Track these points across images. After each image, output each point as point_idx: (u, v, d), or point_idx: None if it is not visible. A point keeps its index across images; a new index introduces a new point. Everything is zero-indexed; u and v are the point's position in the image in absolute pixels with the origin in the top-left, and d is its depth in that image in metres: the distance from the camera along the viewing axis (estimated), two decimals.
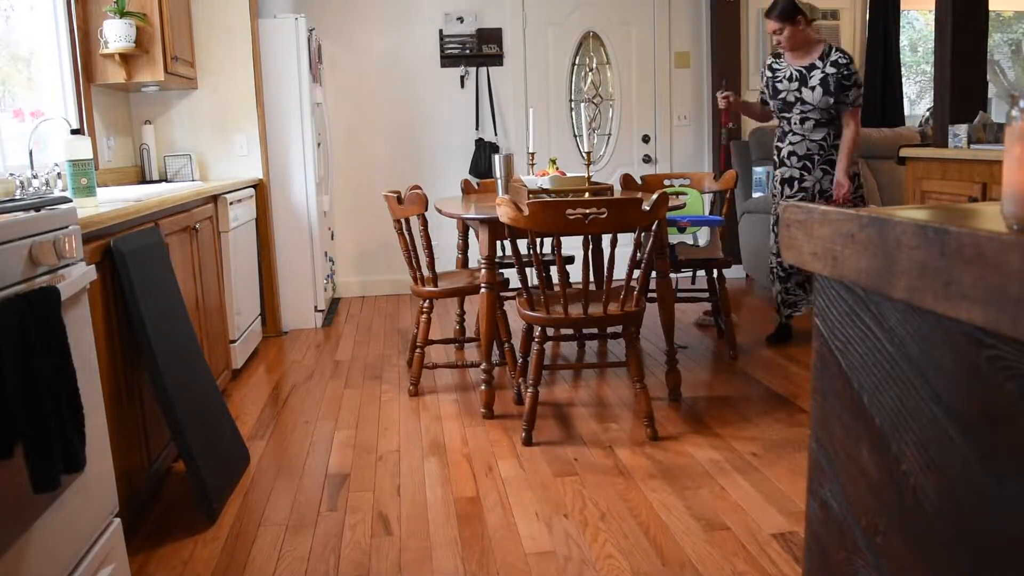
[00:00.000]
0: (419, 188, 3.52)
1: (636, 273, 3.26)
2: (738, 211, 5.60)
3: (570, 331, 4.22)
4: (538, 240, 3.53)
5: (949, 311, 0.59)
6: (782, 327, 4.30)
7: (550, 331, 3.38)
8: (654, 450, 2.92)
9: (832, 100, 3.89)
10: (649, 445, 2.97)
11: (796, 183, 4.03)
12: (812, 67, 3.92)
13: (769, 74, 4.07)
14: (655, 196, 2.94)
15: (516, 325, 4.00)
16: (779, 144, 4.09)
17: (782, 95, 3.99)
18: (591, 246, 4.09)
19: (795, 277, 4.14)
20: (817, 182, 4.00)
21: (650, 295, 3.68)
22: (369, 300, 5.96)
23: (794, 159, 4.02)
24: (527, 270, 4.26)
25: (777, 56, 4.08)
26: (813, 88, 3.90)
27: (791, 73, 3.97)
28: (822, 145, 3.97)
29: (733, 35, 6.14)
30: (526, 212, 2.81)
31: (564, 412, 3.36)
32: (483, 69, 6.01)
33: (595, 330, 4.17)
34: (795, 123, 3.99)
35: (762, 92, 4.15)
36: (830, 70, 3.88)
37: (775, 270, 4.19)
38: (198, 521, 2.48)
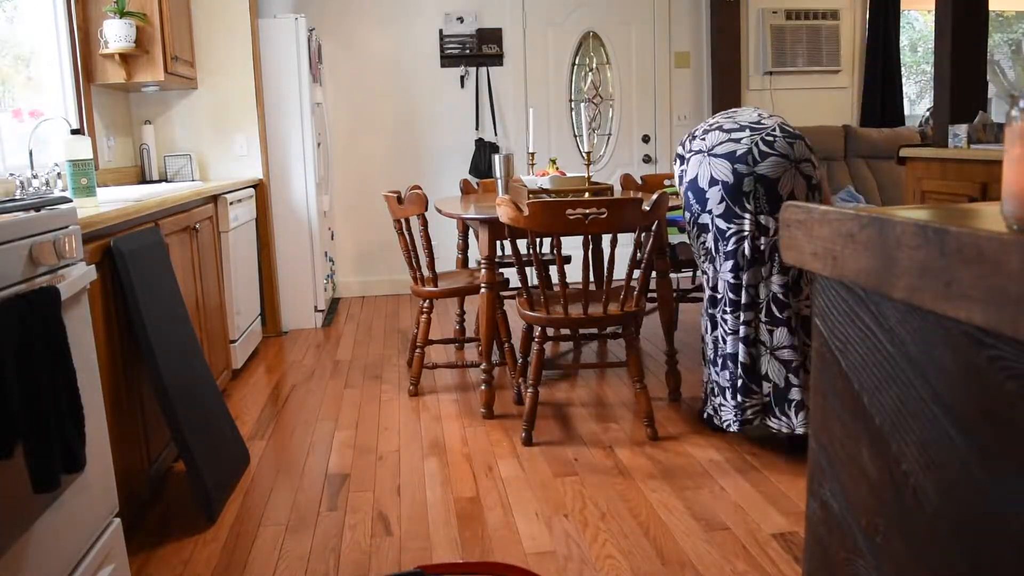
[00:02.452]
0: (419, 188, 3.52)
1: (636, 273, 3.26)
2: None
3: (568, 332, 4.22)
4: (538, 240, 3.53)
5: (949, 311, 0.59)
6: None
7: (550, 331, 3.38)
8: (654, 450, 2.92)
9: None
10: (649, 445, 2.97)
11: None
12: None
13: None
14: (655, 196, 2.94)
15: (515, 325, 4.00)
16: None
17: None
18: (591, 246, 4.09)
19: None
20: None
21: (650, 295, 3.68)
22: (369, 300, 5.96)
23: None
24: (527, 270, 4.25)
25: None
26: None
27: None
28: None
29: (733, 35, 6.14)
30: (526, 212, 2.81)
31: (564, 412, 3.36)
32: (483, 69, 6.01)
33: (594, 330, 4.17)
34: None
35: None
36: None
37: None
38: (198, 521, 2.48)
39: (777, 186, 2.68)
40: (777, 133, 2.71)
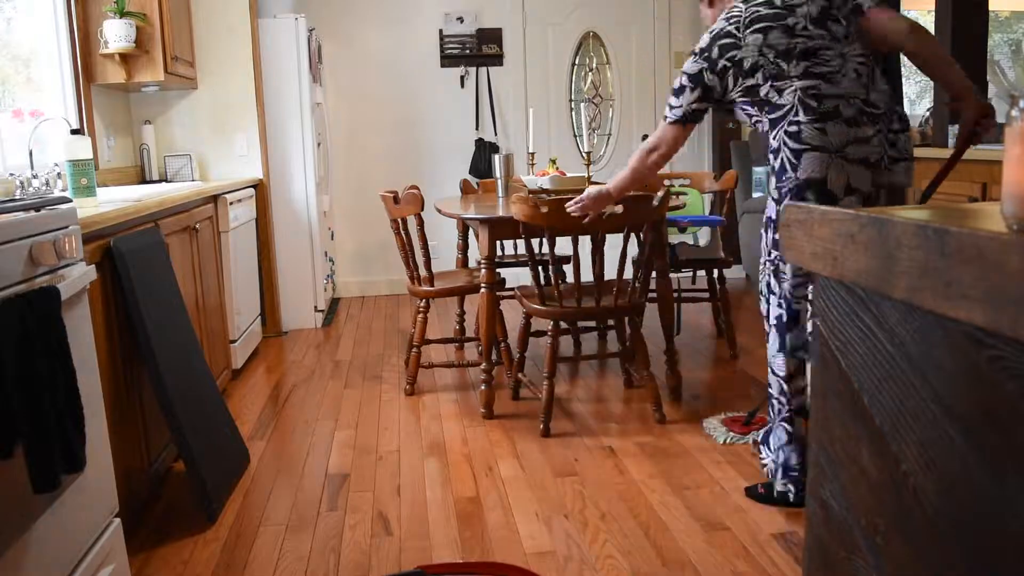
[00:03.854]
0: (416, 188, 3.52)
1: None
2: (738, 211, 5.60)
3: (569, 329, 4.22)
4: (536, 240, 3.53)
5: (949, 311, 0.59)
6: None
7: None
8: (654, 450, 2.92)
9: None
10: (650, 446, 2.97)
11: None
12: None
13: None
14: (660, 194, 2.98)
15: (512, 324, 3.99)
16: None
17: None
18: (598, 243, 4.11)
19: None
20: None
21: (650, 296, 3.69)
22: (369, 300, 5.95)
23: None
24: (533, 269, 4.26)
25: None
26: None
27: None
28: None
29: None
30: (544, 209, 2.82)
31: (564, 413, 3.36)
32: (483, 69, 6.01)
33: (598, 325, 4.19)
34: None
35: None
36: None
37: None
38: (198, 521, 2.48)
39: (901, 191, 2.33)
40: (896, 127, 2.30)
